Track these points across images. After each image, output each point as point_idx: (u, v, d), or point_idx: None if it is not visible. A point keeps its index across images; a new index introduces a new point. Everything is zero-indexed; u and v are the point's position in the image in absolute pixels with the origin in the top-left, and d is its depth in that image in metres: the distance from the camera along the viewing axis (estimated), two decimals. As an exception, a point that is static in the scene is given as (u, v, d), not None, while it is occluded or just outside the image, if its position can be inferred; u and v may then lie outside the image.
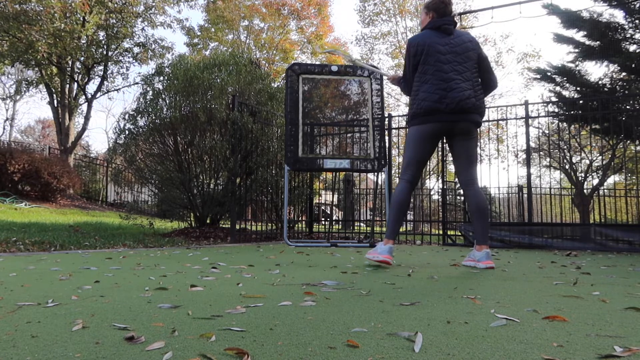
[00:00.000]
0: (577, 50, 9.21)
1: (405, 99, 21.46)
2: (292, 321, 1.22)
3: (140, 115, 6.56)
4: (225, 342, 1.00)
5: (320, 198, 9.79)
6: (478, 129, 2.93)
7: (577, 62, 9.40)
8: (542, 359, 0.89)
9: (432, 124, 2.82)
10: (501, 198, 11.35)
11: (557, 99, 9.85)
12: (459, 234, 6.47)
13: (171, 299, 1.55)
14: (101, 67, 14.09)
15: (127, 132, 6.54)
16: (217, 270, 2.47)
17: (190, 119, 6.29)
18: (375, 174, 6.08)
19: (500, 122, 6.84)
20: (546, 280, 2.18)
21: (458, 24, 3.06)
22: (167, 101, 6.54)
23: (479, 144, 3.03)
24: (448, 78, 2.78)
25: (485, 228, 2.85)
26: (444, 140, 3.03)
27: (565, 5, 15.23)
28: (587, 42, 9.04)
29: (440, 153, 6.49)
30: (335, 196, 9.08)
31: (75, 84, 13.96)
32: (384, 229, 7.65)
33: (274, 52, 20.83)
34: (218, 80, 6.54)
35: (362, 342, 1.00)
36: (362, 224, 9.93)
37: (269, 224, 7.00)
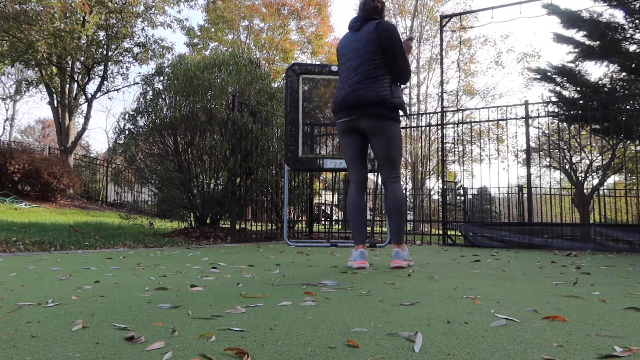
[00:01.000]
0: (577, 50, 9.22)
1: (405, 99, 21.52)
2: (292, 321, 1.22)
3: (140, 115, 6.56)
4: (225, 342, 1.00)
5: (320, 198, 9.79)
6: (388, 123, 2.73)
7: (577, 62, 9.40)
8: (542, 359, 0.89)
9: (340, 123, 2.84)
10: (501, 198, 11.35)
11: (557, 99, 9.85)
12: (459, 234, 6.47)
13: (171, 299, 1.55)
14: (101, 67, 14.10)
15: (127, 132, 6.54)
16: (217, 270, 2.47)
17: (190, 119, 6.29)
18: (375, 174, 6.08)
19: (500, 122, 6.84)
20: (546, 280, 2.18)
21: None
22: (167, 101, 6.54)
23: (397, 141, 2.78)
24: (345, 77, 2.81)
25: (401, 227, 2.79)
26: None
27: (565, 5, 15.24)
28: (587, 42, 9.04)
29: (440, 153, 6.49)
30: (335, 196, 9.07)
31: (75, 84, 13.96)
32: (384, 229, 7.65)
33: (274, 52, 20.83)
34: (218, 80, 6.54)
35: (362, 342, 1.00)
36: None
37: (269, 224, 7.00)
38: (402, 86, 2.99)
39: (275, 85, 7.75)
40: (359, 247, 2.78)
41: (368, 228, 8.76)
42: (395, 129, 2.78)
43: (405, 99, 21.42)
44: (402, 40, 2.85)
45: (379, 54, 2.74)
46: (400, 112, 2.82)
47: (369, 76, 2.72)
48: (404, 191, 14.51)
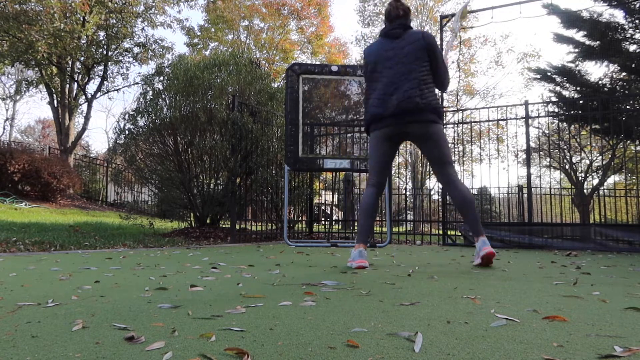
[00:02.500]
0: (577, 50, 9.22)
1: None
2: (292, 321, 1.22)
3: (140, 115, 6.56)
4: (225, 342, 1.00)
5: (320, 198, 9.79)
6: (438, 128, 2.84)
7: (577, 62, 9.40)
8: (542, 359, 0.89)
9: (383, 129, 2.86)
10: (501, 198, 11.35)
11: (557, 99, 9.85)
12: (459, 234, 6.47)
13: (171, 299, 1.55)
14: (101, 67, 14.09)
15: (127, 132, 6.54)
16: (217, 270, 2.47)
17: (191, 119, 6.29)
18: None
19: (500, 122, 6.84)
20: (546, 280, 2.18)
21: (414, 25, 3.08)
22: (167, 101, 6.54)
23: (447, 142, 2.92)
24: (391, 83, 2.83)
25: (476, 220, 2.84)
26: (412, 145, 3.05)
27: (565, 5, 15.24)
28: (587, 42, 9.04)
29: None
30: (335, 196, 9.07)
31: (75, 84, 13.96)
32: (384, 229, 7.64)
33: (274, 52, 20.83)
34: (218, 80, 6.54)
35: (362, 342, 1.00)
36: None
37: (269, 224, 7.00)
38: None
39: (275, 85, 7.75)
40: (359, 247, 2.80)
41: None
42: (443, 131, 2.92)
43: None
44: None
45: (427, 61, 2.84)
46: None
47: (423, 83, 2.81)
48: (405, 191, 14.46)
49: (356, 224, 8.86)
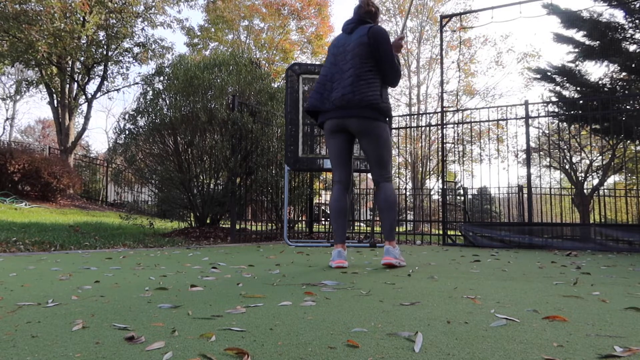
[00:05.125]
0: (577, 50, 9.22)
1: (404, 99, 21.45)
2: (292, 321, 1.22)
3: (140, 115, 6.56)
4: (225, 342, 1.00)
5: (320, 198, 9.79)
6: (377, 125, 2.78)
7: (577, 62, 9.40)
8: (542, 359, 0.89)
9: (329, 122, 2.85)
10: (501, 198, 11.35)
11: (557, 99, 9.85)
12: (459, 234, 6.47)
13: (171, 299, 1.55)
14: (101, 67, 14.09)
15: (127, 132, 6.54)
16: (217, 270, 2.47)
17: (191, 119, 6.29)
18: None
19: (500, 122, 6.84)
20: (546, 280, 2.18)
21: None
22: (167, 101, 6.54)
23: (386, 141, 2.85)
24: (332, 78, 2.84)
25: (393, 224, 2.81)
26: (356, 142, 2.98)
27: (565, 5, 15.23)
28: (587, 42, 9.04)
29: (440, 153, 6.49)
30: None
31: (75, 84, 13.96)
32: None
33: (274, 52, 20.83)
34: (218, 80, 6.54)
35: (362, 342, 1.00)
36: (362, 224, 9.92)
37: (269, 224, 7.00)
38: (391, 89, 3.03)
39: (275, 85, 7.75)
40: (338, 247, 2.80)
41: (368, 228, 8.75)
42: (385, 130, 2.84)
43: (405, 99, 21.42)
44: (392, 42, 2.88)
45: (370, 57, 2.78)
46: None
47: (361, 79, 2.75)
48: (405, 191, 14.45)
49: (356, 224, 8.86)
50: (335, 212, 2.87)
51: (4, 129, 28.69)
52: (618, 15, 8.60)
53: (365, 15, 2.91)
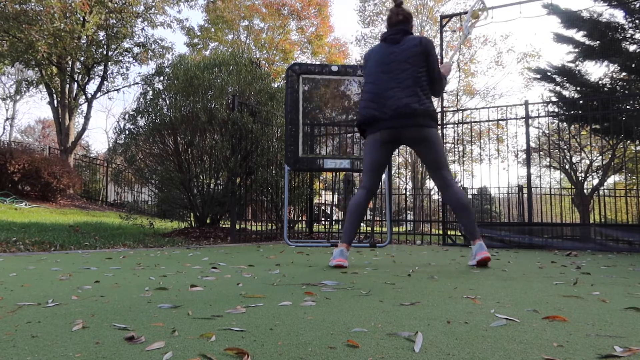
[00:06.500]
0: (577, 50, 9.22)
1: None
2: (292, 321, 1.22)
3: (140, 115, 6.56)
4: (225, 342, 1.00)
5: (320, 198, 9.79)
6: (434, 132, 2.89)
7: (577, 62, 9.40)
8: (542, 359, 0.89)
9: (379, 132, 2.88)
10: (501, 198, 11.35)
11: (557, 99, 9.85)
12: (459, 234, 6.47)
13: (171, 299, 1.55)
14: (101, 67, 14.09)
15: (127, 132, 6.54)
16: (217, 270, 2.47)
17: (191, 119, 6.29)
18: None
19: (500, 122, 6.84)
20: (546, 280, 2.18)
21: (413, 30, 3.13)
22: (167, 101, 6.54)
23: (443, 146, 2.98)
24: (387, 87, 2.87)
25: (472, 223, 2.86)
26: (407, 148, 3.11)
27: (565, 5, 15.22)
28: (587, 42, 9.04)
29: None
30: (335, 196, 9.07)
31: (75, 84, 13.96)
32: (384, 229, 7.65)
33: (274, 52, 20.83)
34: (218, 80, 6.53)
35: (362, 342, 1.00)
36: (361, 224, 9.91)
37: (269, 224, 7.00)
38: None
39: (275, 85, 7.75)
40: (342, 245, 2.82)
41: (368, 228, 8.75)
42: (439, 136, 2.95)
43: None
44: (443, 64, 3.11)
45: (423, 67, 2.89)
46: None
47: (420, 88, 2.86)
48: (405, 191, 14.45)
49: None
50: (354, 211, 2.90)
51: (4, 129, 28.72)
52: (618, 15, 8.60)
53: (404, 25, 3.00)
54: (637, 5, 8.14)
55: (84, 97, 14.13)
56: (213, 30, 20.90)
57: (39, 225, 6.29)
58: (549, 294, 1.71)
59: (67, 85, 13.79)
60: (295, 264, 2.92)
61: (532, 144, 10.21)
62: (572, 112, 8.66)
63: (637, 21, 8.38)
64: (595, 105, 6.83)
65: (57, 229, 5.81)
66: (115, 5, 13.25)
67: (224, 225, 6.85)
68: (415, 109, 2.79)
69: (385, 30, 3.10)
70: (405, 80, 2.84)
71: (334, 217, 10.36)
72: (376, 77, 2.93)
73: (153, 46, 14.64)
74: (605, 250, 5.03)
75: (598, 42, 8.80)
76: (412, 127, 2.82)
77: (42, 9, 11.67)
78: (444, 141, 6.41)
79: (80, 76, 14.19)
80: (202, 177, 6.53)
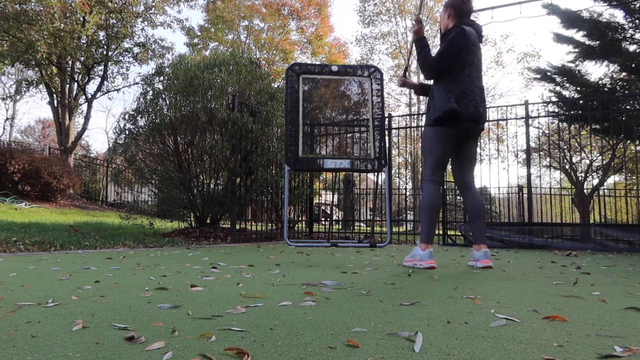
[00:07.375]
0: (577, 50, 9.21)
1: (404, 99, 21.42)
2: (292, 321, 1.22)
3: (140, 115, 6.55)
4: (225, 342, 1.00)
5: (320, 198, 9.79)
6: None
7: (577, 62, 9.40)
8: (542, 359, 0.89)
9: (457, 129, 2.82)
10: (501, 198, 11.35)
11: (557, 99, 9.85)
12: (459, 234, 6.47)
13: (171, 299, 1.55)
14: (101, 67, 14.09)
15: (127, 132, 6.54)
16: (217, 270, 2.47)
17: (191, 119, 6.29)
18: (375, 174, 6.08)
19: (500, 122, 6.83)
20: (546, 280, 2.18)
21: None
22: (167, 101, 6.54)
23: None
24: (475, 86, 2.85)
25: (484, 229, 2.86)
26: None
27: (565, 5, 15.23)
28: (587, 42, 9.04)
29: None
30: (335, 196, 9.07)
31: (75, 84, 13.96)
32: (384, 229, 7.64)
33: (274, 52, 20.83)
34: (218, 80, 6.53)
35: (362, 342, 1.00)
36: (362, 224, 9.93)
37: (269, 224, 7.00)
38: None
39: (275, 85, 7.74)
40: (430, 247, 2.79)
41: (369, 228, 8.75)
42: None
43: (406, 99, 21.41)
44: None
45: None
46: None
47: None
48: (405, 191, 14.45)
49: (356, 224, 8.86)
50: (434, 210, 2.84)
51: (4, 129, 28.71)
52: (618, 15, 8.60)
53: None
54: (637, 5, 8.14)
55: (84, 97, 14.13)
56: (213, 30, 20.90)
57: (39, 225, 6.29)
58: (549, 294, 1.71)
59: (67, 85, 13.79)
60: (295, 264, 2.92)
61: (532, 144, 10.21)
62: (572, 112, 8.66)
63: (637, 21, 8.37)
64: (595, 105, 6.83)
65: (57, 229, 5.81)
66: (115, 5, 13.25)
67: (224, 225, 6.84)
68: (485, 110, 2.89)
69: (462, 10, 2.92)
70: (481, 81, 2.90)
71: (334, 217, 10.36)
72: (477, 71, 2.86)
73: (153, 46, 14.65)
74: (605, 250, 5.03)
75: (598, 42, 8.80)
76: (479, 125, 2.85)
77: (42, 9, 11.66)
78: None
79: (80, 76, 14.19)
80: (202, 177, 6.53)
